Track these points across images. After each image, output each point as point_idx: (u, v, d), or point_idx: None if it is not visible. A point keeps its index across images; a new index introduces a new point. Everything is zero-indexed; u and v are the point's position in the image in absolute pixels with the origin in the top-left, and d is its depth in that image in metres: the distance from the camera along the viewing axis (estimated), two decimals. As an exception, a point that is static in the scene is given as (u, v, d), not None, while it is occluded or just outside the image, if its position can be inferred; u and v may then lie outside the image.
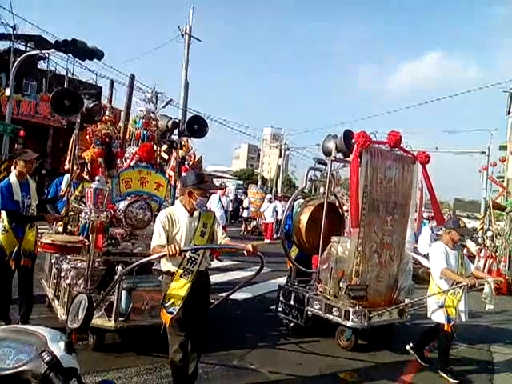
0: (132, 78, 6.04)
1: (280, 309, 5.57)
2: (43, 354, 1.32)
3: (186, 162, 6.05)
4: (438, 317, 4.48)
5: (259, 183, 22.11)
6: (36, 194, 4.52)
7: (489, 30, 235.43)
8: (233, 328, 5.36)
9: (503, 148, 31.15)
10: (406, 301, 4.99)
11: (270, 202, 16.68)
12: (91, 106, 5.46)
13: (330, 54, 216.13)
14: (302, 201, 6.03)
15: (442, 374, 4.47)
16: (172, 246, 3.02)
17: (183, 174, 5.88)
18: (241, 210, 19.03)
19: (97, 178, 4.66)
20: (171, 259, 3.30)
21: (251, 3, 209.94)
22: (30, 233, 4.39)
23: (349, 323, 4.62)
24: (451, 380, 4.39)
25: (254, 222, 18.64)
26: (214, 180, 11.20)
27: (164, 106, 6.35)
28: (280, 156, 38.85)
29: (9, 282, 4.36)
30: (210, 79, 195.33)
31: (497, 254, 11.02)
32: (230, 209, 17.88)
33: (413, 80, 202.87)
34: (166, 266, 3.41)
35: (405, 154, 5.16)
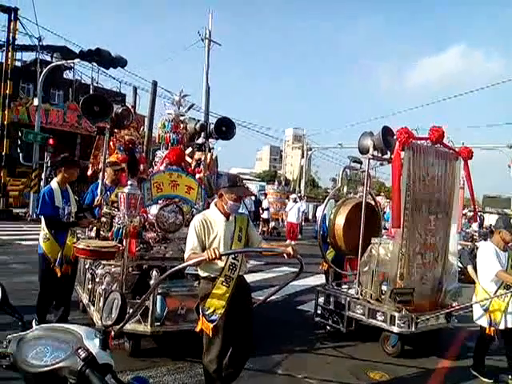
0: (155, 84, 6.02)
1: (319, 312, 5.38)
2: (79, 350, 1.34)
3: (202, 164, 5.98)
4: (483, 321, 4.29)
5: (276, 183, 21.65)
6: (75, 201, 4.57)
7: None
8: (264, 331, 5.20)
9: (532, 141, 29.95)
10: (454, 304, 4.75)
11: (295, 202, 16.44)
12: (120, 110, 5.46)
13: (352, 52, 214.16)
14: (332, 201, 5.84)
15: (475, 373, 4.40)
16: (212, 250, 2.92)
17: (197, 176, 5.82)
18: (260, 211, 18.74)
19: (129, 182, 4.63)
20: (209, 266, 3.21)
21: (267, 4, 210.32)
22: (70, 239, 4.44)
23: (395, 329, 4.40)
24: (484, 380, 4.31)
25: (273, 223, 18.36)
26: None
27: (187, 110, 6.32)
28: (302, 156, 38.60)
29: (53, 289, 4.39)
30: (230, 83, 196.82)
31: (529, 250, 10.51)
32: (253, 209, 17.70)
33: (435, 75, 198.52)
34: (203, 272, 3.31)
35: (447, 149, 4.92)
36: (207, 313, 3.18)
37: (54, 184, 4.44)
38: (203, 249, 3.18)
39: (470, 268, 5.86)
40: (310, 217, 26.52)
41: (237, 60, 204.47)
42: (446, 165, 4.86)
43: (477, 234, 12.05)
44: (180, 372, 3.94)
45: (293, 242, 14.63)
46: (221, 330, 3.15)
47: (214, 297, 3.19)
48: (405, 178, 4.44)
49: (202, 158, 5.93)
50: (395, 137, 4.41)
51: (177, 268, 3.17)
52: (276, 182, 22.05)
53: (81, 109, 5.07)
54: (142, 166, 6.09)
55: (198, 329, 3.26)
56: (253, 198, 19.46)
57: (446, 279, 4.89)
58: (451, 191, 4.95)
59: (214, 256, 2.87)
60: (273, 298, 6.47)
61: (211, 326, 3.14)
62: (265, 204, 18.63)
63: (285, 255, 3.09)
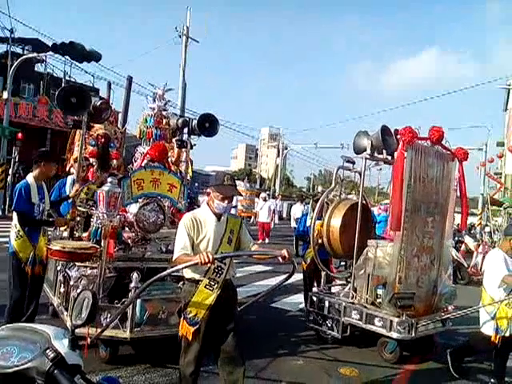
0: (130, 79, 5.72)
1: (311, 318, 5.11)
2: (47, 351, 1.32)
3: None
4: (489, 329, 4.10)
5: (246, 180, 21.38)
6: (48, 199, 4.28)
7: (485, 26, 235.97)
8: (244, 332, 4.99)
9: (501, 144, 31.30)
10: (449, 308, 4.66)
11: (265, 200, 16.25)
12: (99, 103, 5.18)
13: (327, 52, 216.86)
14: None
15: (493, 381, 4.22)
16: (205, 253, 2.76)
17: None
18: (229, 208, 18.25)
19: (109, 179, 4.34)
20: (195, 267, 3.01)
21: (244, 3, 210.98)
22: (42, 239, 4.19)
23: (394, 334, 4.22)
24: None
25: None
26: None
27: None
28: (278, 155, 38.60)
29: (25, 290, 4.10)
30: (207, 80, 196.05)
31: (495, 249, 10.74)
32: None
33: (411, 78, 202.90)
34: (189, 273, 3.13)
35: (444, 150, 4.82)
36: (189, 316, 3.03)
37: (30, 179, 4.15)
38: (192, 248, 3.04)
39: None
40: (285, 215, 26.49)
41: (213, 57, 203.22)
42: (443, 166, 4.78)
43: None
44: (151, 372, 3.89)
45: (266, 241, 14.49)
46: (201, 333, 3.01)
47: (196, 300, 3.03)
48: (406, 178, 4.32)
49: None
50: (398, 136, 4.29)
51: (166, 273, 2.98)
52: (246, 179, 21.71)
53: (56, 101, 4.78)
54: (115, 162, 5.79)
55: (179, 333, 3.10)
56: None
57: (440, 282, 4.79)
58: (448, 193, 4.86)
59: (206, 260, 2.73)
60: (245, 296, 6.24)
61: (192, 329, 2.99)
62: (233, 201, 18.20)
63: (279, 258, 2.97)
